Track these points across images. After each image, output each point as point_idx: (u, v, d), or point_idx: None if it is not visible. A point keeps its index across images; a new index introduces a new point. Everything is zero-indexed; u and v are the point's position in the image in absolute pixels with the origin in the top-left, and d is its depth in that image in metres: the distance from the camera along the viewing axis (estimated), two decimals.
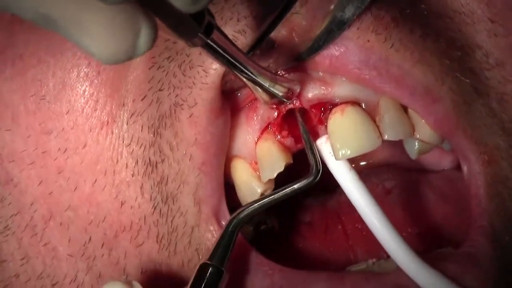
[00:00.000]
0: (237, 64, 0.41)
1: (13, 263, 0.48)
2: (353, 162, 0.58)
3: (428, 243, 0.52)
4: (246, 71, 0.42)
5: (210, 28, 0.37)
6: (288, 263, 0.50)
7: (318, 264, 0.53)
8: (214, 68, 0.45)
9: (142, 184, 0.46)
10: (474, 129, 0.48)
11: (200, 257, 0.47)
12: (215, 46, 0.39)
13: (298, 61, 0.47)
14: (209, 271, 0.44)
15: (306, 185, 0.46)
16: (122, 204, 0.46)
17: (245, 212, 0.46)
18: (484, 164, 0.48)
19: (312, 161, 0.47)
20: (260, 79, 0.43)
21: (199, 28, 0.36)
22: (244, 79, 0.43)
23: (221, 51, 0.40)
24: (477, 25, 0.49)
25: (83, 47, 0.31)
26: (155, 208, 0.46)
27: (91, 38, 0.30)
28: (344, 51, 0.46)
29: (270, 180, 0.50)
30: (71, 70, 0.46)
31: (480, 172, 0.49)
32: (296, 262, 0.52)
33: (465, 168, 0.50)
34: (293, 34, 0.46)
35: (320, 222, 0.56)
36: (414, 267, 0.45)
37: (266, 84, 0.44)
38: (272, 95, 0.45)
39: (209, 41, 0.38)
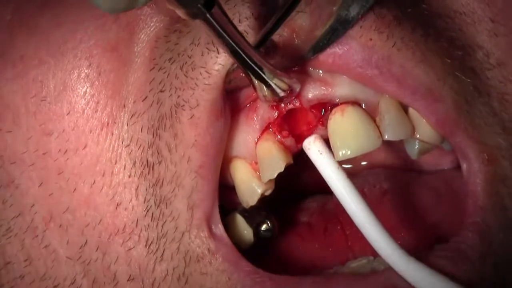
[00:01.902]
0: (238, 50, 0.41)
1: (17, 264, 0.48)
2: (353, 162, 0.59)
3: (425, 242, 0.51)
4: (246, 57, 0.42)
5: (211, 2, 0.37)
6: (287, 265, 0.51)
7: (317, 265, 0.53)
8: (217, 69, 0.45)
9: (138, 186, 0.46)
10: (474, 128, 0.48)
11: (186, 266, 0.46)
12: (214, 23, 0.39)
13: (302, 61, 0.47)
14: None
15: None
16: (117, 206, 0.46)
17: None
18: (484, 163, 0.48)
19: None
20: (262, 69, 0.43)
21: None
22: (244, 67, 0.43)
23: (220, 30, 0.39)
24: (478, 25, 0.49)
25: None
26: (147, 211, 0.46)
27: None
28: (347, 49, 0.46)
29: (270, 180, 0.50)
30: (72, 71, 0.46)
31: (480, 170, 0.48)
32: (295, 263, 0.53)
33: (464, 166, 0.49)
34: (295, 35, 0.46)
35: (319, 223, 0.56)
36: (400, 262, 0.44)
37: (266, 74, 0.44)
38: (272, 90, 0.45)
39: (208, 16, 0.38)
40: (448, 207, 0.54)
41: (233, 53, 0.41)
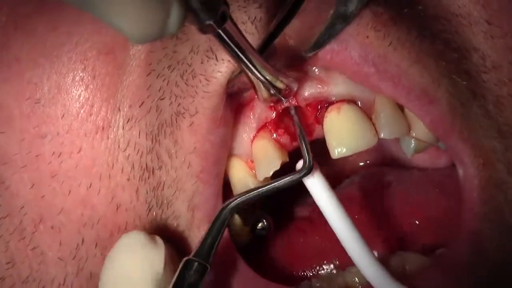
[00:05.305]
0: (243, 57, 0.41)
1: None
2: (350, 162, 0.59)
3: (426, 236, 0.52)
4: (251, 65, 0.42)
5: (224, 17, 0.37)
6: (288, 258, 0.52)
7: (320, 257, 0.53)
8: (216, 77, 0.45)
9: (138, 188, 0.46)
10: (470, 131, 0.48)
11: None
12: (225, 36, 0.39)
13: (300, 60, 0.47)
14: (194, 267, 0.44)
15: (298, 179, 0.45)
16: (117, 207, 0.46)
17: (234, 204, 0.45)
18: (479, 167, 0.48)
19: (305, 156, 0.46)
20: (264, 73, 0.43)
21: (214, 15, 0.36)
22: (249, 73, 0.43)
23: (229, 42, 0.39)
24: (474, 27, 0.48)
25: (115, 27, 0.31)
26: (149, 211, 0.47)
27: (123, 17, 0.31)
28: (344, 46, 0.46)
29: (266, 178, 0.50)
30: (67, 74, 0.46)
31: (475, 176, 0.48)
32: (296, 257, 0.53)
33: (460, 172, 0.49)
34: (294, 35, 0.45)
35: (320, 217, 0.53)
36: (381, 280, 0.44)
37: (269, 78, 0.43)
38: (272, 92, 0.45)
39: (220, 31, 0.38)
40: (451, 200, 0.53)
41: (238, 60, 0.41)
